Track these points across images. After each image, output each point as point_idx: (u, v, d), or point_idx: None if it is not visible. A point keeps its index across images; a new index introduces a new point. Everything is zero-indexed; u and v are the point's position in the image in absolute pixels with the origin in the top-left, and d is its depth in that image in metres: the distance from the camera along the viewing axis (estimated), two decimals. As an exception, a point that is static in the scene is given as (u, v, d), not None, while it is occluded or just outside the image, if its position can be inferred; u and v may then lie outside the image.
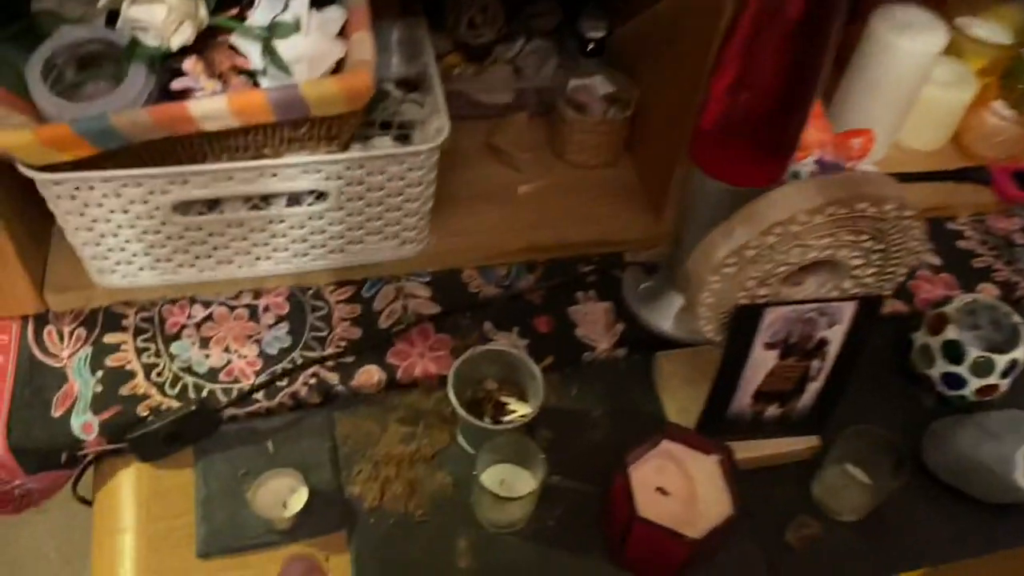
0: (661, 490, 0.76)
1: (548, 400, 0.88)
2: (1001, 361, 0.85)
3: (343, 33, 0.75)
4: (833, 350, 0.76)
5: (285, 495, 0.78)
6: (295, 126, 0.76)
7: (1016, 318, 0.88)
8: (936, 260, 1.02)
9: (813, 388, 0.79)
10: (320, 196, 0.82)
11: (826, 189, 0.63)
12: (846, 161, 0.97)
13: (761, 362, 0.75)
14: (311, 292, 0.91)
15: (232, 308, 0.89)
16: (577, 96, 1.01)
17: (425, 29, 0.90)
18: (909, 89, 1.01)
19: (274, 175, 0.78)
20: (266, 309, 0.89)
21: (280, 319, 0.89)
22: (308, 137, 0.78)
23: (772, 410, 0.81)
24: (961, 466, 0.83)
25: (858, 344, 0.75)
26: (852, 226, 0.65)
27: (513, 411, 0.82)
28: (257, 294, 0.90)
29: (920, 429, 0.87)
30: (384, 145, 0.81)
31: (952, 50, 1.11)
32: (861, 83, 1.02)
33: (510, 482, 0.79)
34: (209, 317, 0.88)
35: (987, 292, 1.00)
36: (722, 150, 0.75)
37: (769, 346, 0.74)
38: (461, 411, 0.77)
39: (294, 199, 0.83)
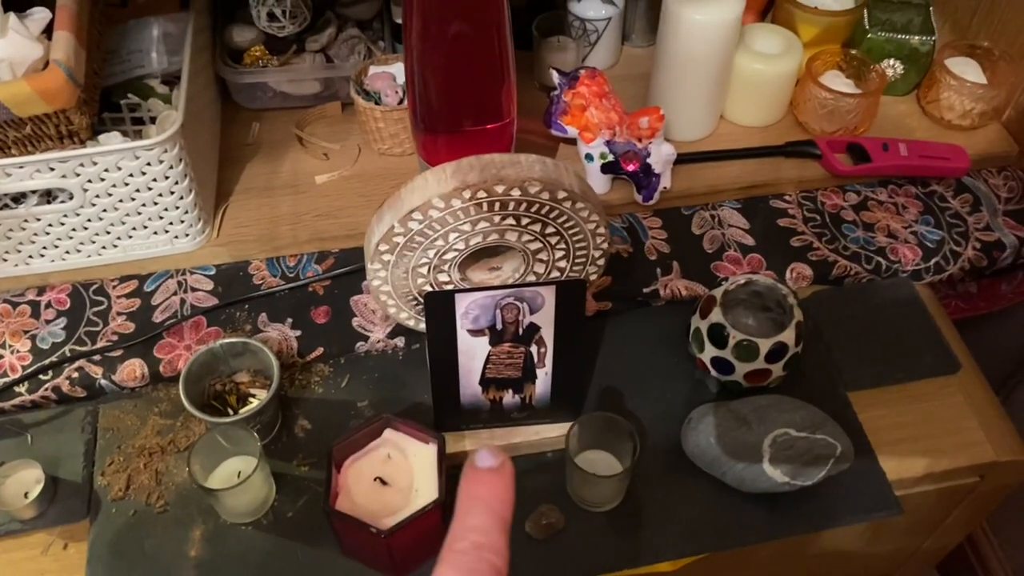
0: (380, 479, 0.76)
1: (314, 391, 0.88)
2: (765, 345, 0.81)
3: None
4: (548, 334, 0.74)
5: (31, 485, 0.80)
6: (16, 126, 0.77)
7: (792, 300, 0.84)
8: (750, 240, 0.98)
9: (543, 373, 0.77)
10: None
11: (459, 173, 0.61)
12: (638, 141, 0.94)
13: (472, 349, 0.74)
14: (94, 287, 0.93)
15: (15, 305, 0.92)
16: (374, 83, 1.00)
17: (190, 24, 0.91)
18: (715, 62, 0.97)
19: (8, 175, 0.80)
20: (48, 305, 0.92)
21: (60, 314, 0.91)
22: (42, 135, 0.80)
23: (509, 397, 0.79)
24: (712, 454, 0.79)
25: (572, 329, 0.73)
26: (505, 211, 0.64)
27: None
28: (41, 290, 0.93)
29: (696, 417, 0.84)
30: (113, 140, 0.82)
31: (780, 19, 1.06)
32: (666, 60, 0.99)
33: (247, 472, 0.80)
34: (-8, 314, 0.91)
35: (799, 272, 0.95)
36: (433, 143, 0.74)
37: (474, 333, 0.73)
38: (188, 405, 0.78)
39: (48, 197, 0.85)
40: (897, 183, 1.04)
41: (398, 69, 1.01)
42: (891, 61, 1.06)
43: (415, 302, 0.71)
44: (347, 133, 1.06)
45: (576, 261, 0.70)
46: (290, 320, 0.91)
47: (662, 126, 0.93)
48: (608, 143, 0.93)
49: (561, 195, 0.63)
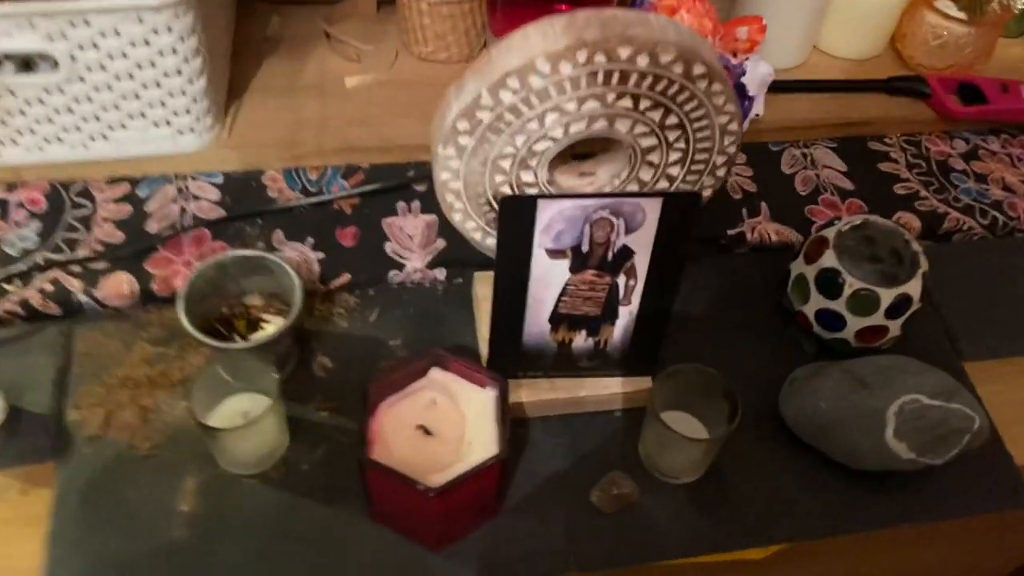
0: (423, 428, 0.62)
1: (337, 324, 0.74)
2: (887, 296, 0.68)
3: None
4: (642, 263, 0.60)
5: (-13, 416, 0.65)
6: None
7: (915, 247, 0.70)
8: (848, 184, 0.84)
9: (627, 313, 0.63)
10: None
11: (573, 28, 0.47)
12: (732, 56, 0.80)
13: (548, 275, 0.60)
14: (77, 188, 0.78)
15: (-21, 202, 0.76)
16: (420, -26, 0.85)
17: None
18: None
19: (-21, 30, 0.64)
20: (19, 205, 0.76)
21: (33, 216, 0.76)
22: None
23: (581, 340, 0.65)
24: (821, 422, 0.66)
25: (673, 256, 0.59)
26: (623, 87, 0.49)
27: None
28: (12, 187, 0.77)
29: (791, 380, 0.71)
30: (112, -3, 0.67)
31: (890, -64, 0.93)
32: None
33: (255, 412, 0.65)
34: (-48, 211, 0.76)
35: (907, 223, 0.82)
36: (512, 17, 0.60)
37: (554, 254, 0.58)
38: (188, 326, 0.63)
39: (26, 68, 0.70)
40: (1010, 132, 0.91)
41: (449, -41, 0.86)
42: (1009, -5, 0.93)
43: (487, 208, 0.57)
44: (383, 34, 0.91)
45: (693, 168, 0.56)
46: (311, 240, 0.76)
47: (762, 39, 0.79)
48: (697, 56, 0.79)
49: (698, 70, 0.49)
